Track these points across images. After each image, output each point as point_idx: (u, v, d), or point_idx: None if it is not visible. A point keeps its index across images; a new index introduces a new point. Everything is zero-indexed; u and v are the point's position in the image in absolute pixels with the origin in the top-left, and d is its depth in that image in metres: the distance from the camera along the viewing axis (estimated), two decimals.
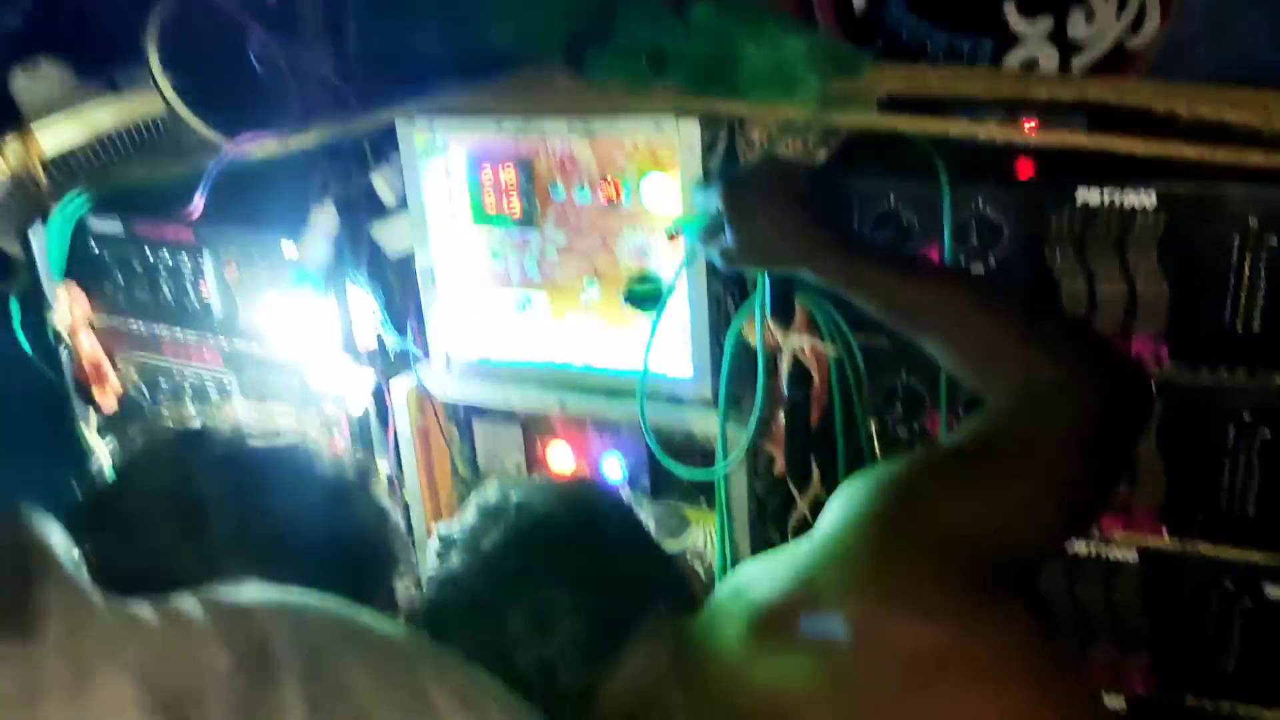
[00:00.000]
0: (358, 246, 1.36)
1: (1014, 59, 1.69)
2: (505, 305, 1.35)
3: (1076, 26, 1.65)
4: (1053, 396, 0.89)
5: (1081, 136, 1.08)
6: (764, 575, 0.90)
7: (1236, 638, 1.10)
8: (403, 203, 1.35)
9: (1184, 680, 1.14)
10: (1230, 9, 1.64)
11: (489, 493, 0.99)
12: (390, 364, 1.42)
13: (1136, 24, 1.57)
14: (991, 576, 0.83)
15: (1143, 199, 1.02)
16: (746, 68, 1.22)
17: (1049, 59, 1.68)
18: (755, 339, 1.18)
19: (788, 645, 0.83)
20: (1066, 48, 1.65)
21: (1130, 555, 1.13)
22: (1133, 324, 1.06)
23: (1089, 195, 1.04)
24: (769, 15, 1.26)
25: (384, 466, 1.43)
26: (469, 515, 0.99)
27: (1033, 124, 1.14)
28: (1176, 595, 1.11)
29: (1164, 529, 1.11)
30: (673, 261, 1.22)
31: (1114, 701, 1.18)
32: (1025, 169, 1.12)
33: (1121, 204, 1.03)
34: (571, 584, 0.90)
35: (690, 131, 1.17)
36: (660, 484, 1.34)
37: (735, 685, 0.85)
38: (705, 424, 1.25)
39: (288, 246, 1.36)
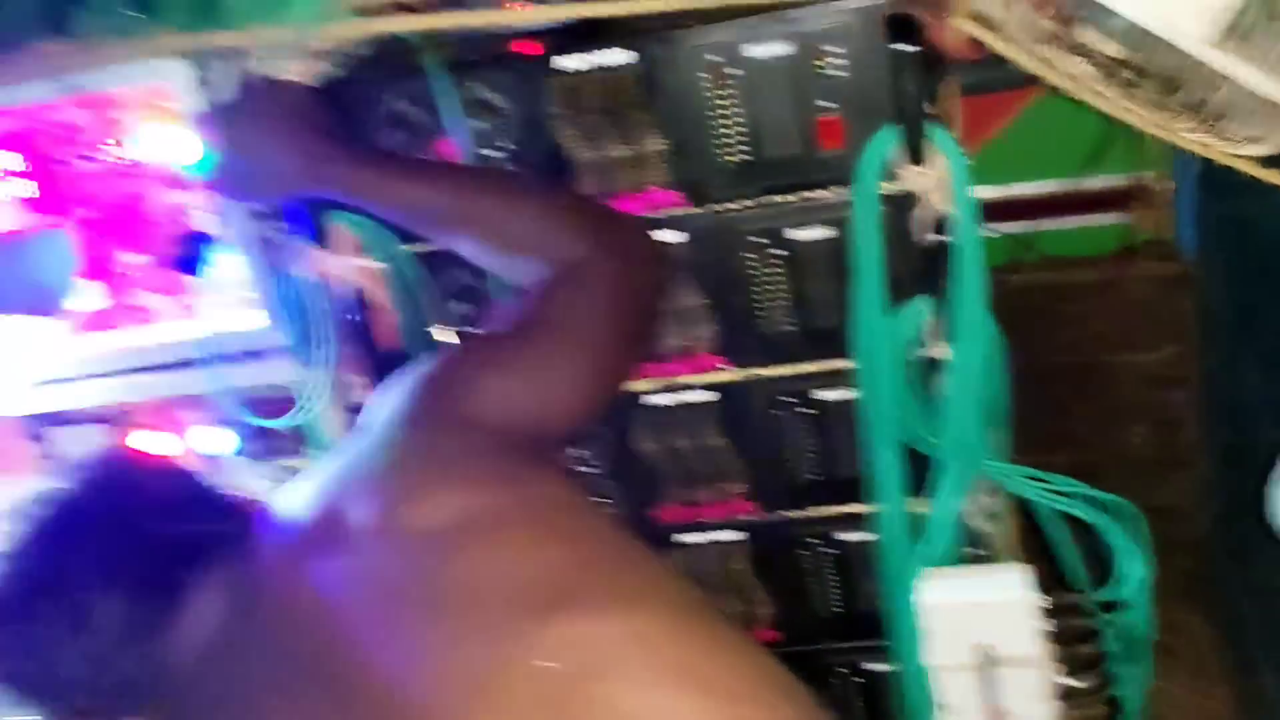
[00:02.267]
0: None
1: None
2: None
3: None
4: (574, 275, 0.92)
5: (558, 9, 1.12)
6: (313, 489, 0.88)
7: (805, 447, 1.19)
8: None
9: (777, 497, 1.23)
10: None
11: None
12: None
13: None
14: (530, 449, 0.86)
15: (621, 57, 1.07)
16: None
17: None
18: (305, 273, 1.16)
19: (343, 548, 0.82)
20: None
21: (709, 395, 1.20)
22: (643, 176, 1.11)
23: (570, 61, 1.07)
24: None
25: None
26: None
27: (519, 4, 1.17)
28: (749, 419, 1.19)
29: (725, 361, 1.18)
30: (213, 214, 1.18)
31: (734, 534, 1.26)
32: (523, 48, 1.14)
33: (603, 65, 1.07)
34: (98, 567, 0.84)
35: (181, 72, 1.12)
36: (271, 444, 1.30)
37: (308, 609, 0.83)
38: (290, 372, 1.22)
39: None
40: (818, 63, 1.03)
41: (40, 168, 1.20)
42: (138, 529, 0.88)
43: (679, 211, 1.12)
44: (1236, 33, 0.96)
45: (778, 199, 1.10)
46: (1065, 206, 2.05)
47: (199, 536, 0.89)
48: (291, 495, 0.91)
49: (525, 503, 0.82)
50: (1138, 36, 1.00)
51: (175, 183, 1.18)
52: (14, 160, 1.20)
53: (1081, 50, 1.06)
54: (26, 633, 0.84)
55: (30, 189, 1.21)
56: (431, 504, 0.80)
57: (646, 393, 1.19)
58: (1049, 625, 1.14)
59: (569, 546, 0.80)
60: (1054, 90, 1.12)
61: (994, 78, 1.18)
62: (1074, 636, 1.18)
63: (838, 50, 1.03)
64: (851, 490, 1.19)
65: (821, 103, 1.05)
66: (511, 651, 0.72)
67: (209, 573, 0.87)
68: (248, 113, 1.04)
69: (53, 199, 1.21)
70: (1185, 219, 1.90)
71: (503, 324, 0.96)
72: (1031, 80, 1.12)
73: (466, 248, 1.01)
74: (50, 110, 1.16)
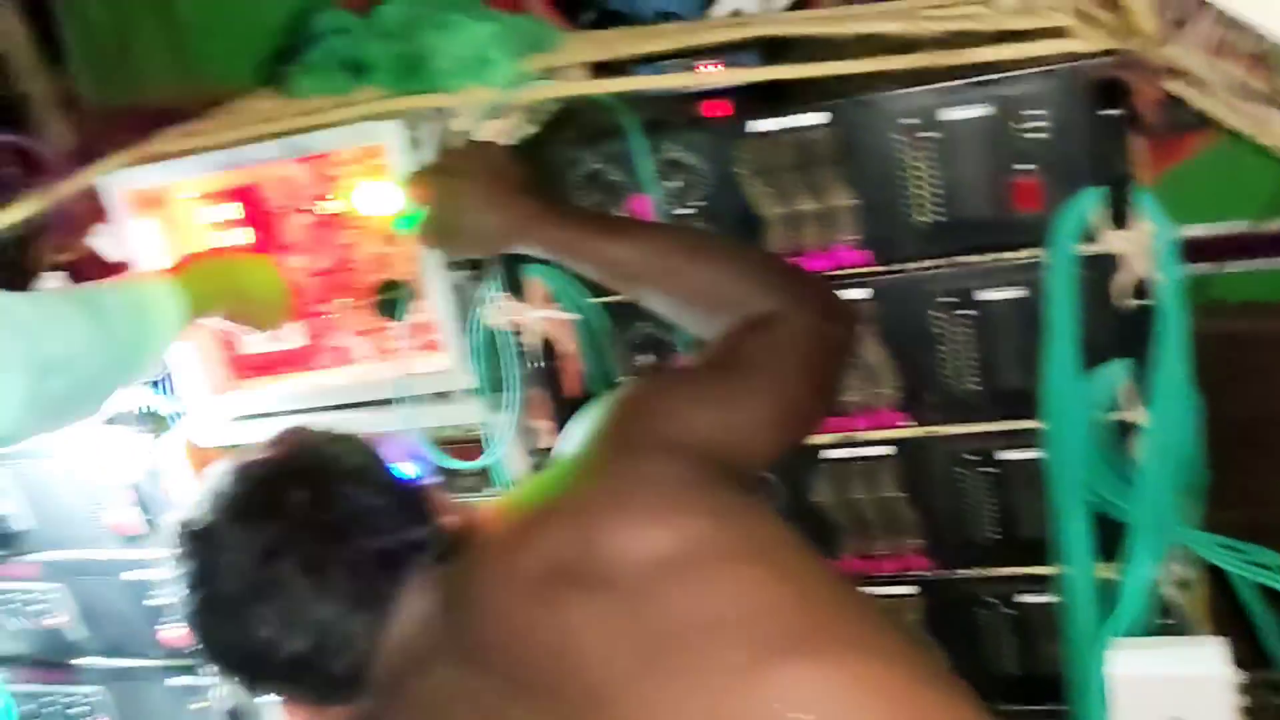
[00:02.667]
0: None
1: (721, 9, 1.78)
2: (259, 338, 1.34)
3: None
4: (766, 324, 0.94)
5: (753, 71, 1.14)
6: (520, 511, 0.89)
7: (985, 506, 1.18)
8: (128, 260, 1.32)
9: (954, 554, 1.22)
10: None
11: (214, 473, 0.91)
12: (159, 422, 1.39)
13: None
14: (725, 478, 0.86)
15: (812, 118, 1.08)
16: (440, 59, 1.24)
17: (750, 3, 1.77)
18: (497, 322, 1.21)
19: (559, 577, 0.81)
20: None
21: (888, 450, 1.20)
22: (832, 234, 1.12)
23: (762, 124, 1.09)
24: (454, 5, 1.30)
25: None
26: (200, 502, 0.89)
27: (713, 66, 1.20)
28: (929, 476, 1.19)
29: (907, 417, 1.18)
30: (412, 263, 1.24)
31: (908, 589, 1.25)
32: (713, 109, 1.17)
33: (796, 127, 1.09)
34: (311, 567, 0.84)
35: (393, 133, 1.18)
36: (450, 482, 1.35)
37: (509, 626, 0.82)
38: (477, 414, 1.27)
39: None
40: (1017, 125, 1.03)
41: (258, 217, 1.28)
42: (345, 528, 0.86)
43: (867, 269, 1.13)
44: None
45: (969, 259, 1.10)
46: (1247, 249, 1.97)
47: (403, 540, 0.88)
48: (501, 515, 0.90)
49: (743, 536, 0.82)
50: None
51: (382, 234, 1.25)
52: (235, 210, 1.29)
53: None
54: (240, 628, 0.85)
55: (248, 236, 1.30)
56: (647, 531, 0.80)
57: (827, 446, 1.20)
58: (1244, 702, 1.10)
59: (793, 585, 0.80)
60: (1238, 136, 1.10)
61: (1174, 120, 1.15)
62: (1272, 714, 1.13)
63: (1039, 113, 1.02)
64: (1033, 552, 1.17)
65: (1019, 165, 1.04)
66: (750, 695, 0.72)
67: (418, 579, 0.86)
68: (453, 171, 1.09)
69: (268, 244, 1.29)
70: None
71: (695, 361, 0.99)
72: (1208, 122, 1.10)
73: (658, 302, 1.04)
74: (272, 166, 1.25)
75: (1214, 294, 2.02)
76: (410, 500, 0.90)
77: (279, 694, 0.91)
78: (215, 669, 0.89)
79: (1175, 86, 1.08)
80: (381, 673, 0.86)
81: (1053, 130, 1.02)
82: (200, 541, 0.87)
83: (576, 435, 0.92)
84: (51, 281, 1.30)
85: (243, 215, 1.29)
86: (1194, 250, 2.08)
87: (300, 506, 0.86)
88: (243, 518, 0.86)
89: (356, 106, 1.22)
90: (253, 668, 0.88)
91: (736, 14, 1.72)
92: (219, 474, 0.89)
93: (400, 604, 0.86)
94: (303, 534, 0.85)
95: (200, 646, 0.89)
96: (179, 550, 0.88)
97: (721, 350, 0.96)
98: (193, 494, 0.90)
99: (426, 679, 0.85)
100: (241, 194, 1.27)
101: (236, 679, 0.89)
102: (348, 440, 0.93)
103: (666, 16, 1.75)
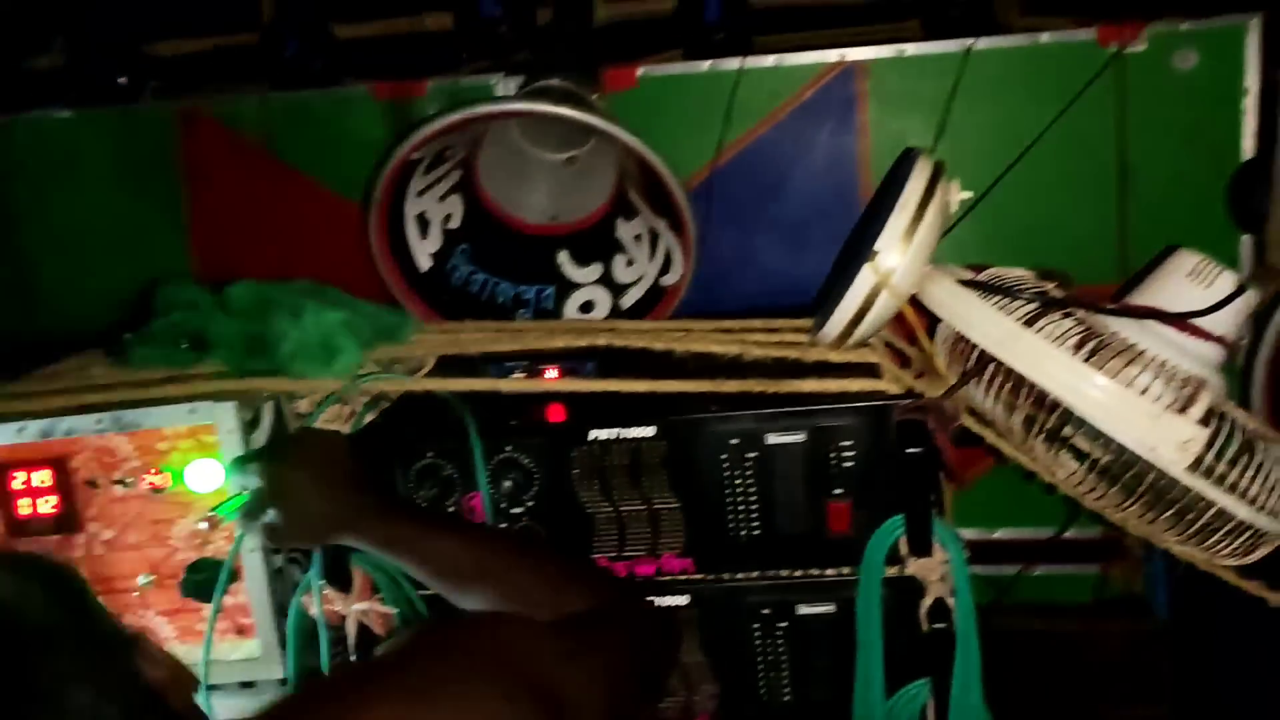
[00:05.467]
0: None
1: (574, 302, 1.89)
2: None
3: (620, 271, 1.89)
4: (585, 635, 0.95)
5: (591, 382, 1.21)
6: None
7: None
8: None
9: None
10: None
11: None
12: None
13: (666, 268, 1.80)
14: None
15: (645, 431, 1.14)
16: (287, 344, 1.26)
17: (603, 299, 1.89)
18: (316, 610, 1.17)
19: None
20: (615, 289, 1.87)
21: None
22: (658, 540, 1.16)
23: (600, 433, 1.15)
24: (305, 290, 1.33)
25: None
26: None
27: (554, 373, 1.26)
28: None
29: None
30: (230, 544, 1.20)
31: None
32: (550, 414, 1.22)
33: (628, 437, 1.15)
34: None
35: (227, 414, 1.18)
36: None
37: None
38: None
39: None
40: (831, 453, 1.11)
41: (67, 486, 1.23)
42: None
43: (689, 577, 1.16)
44: (1202, 466, 1.06)
45: (785, 573, 1.15)
46: (1044, 554, 2.12)
47: None
48: None
49: None
50: (1125, 451, 1.10)
51: (202, 513, 1.21)
52: (44, 476, 1.23)
53: (1074, 451, 1.15)
54: None
55: (51, 504, 1.23)
56: None
57: None
58: None
59: None
60: None
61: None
62: None
63: (849, 444, 1.11)
64: None
65: (832, 490, 1.12)
66: None
67: None
68: (293, 460, 1.09)
69: (72, 516, 1.23)
70: (1157, 577, 1.96)
71: None
72: None
73: (477, 601, 1.03)
74: (93, 435, 1.21)
75: (1017, 594, 2.15)
76: (108, 661, 0.74)
77: None
78: None
79: (972, 424, 1.20)
80: None
81: (861, 460, 1.11)
82: None
83: None
84: None
85: (50, 482, 1.23)
86: (1001, 552, 2.23)
87: None
88: None
89: (192, 384, 1.22)
90: None
91: (588, 306, 1.83)
92: None
93: None
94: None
95: None
96: None
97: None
98: None
99: None
100: (53, 461, 1.22)
101: None
102: (33, 581, 0.75)
103: (524, 304, 1.85)
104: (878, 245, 1.17)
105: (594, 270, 1.91)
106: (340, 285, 2.00)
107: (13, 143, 2.10)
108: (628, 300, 1.87)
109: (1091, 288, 1.99)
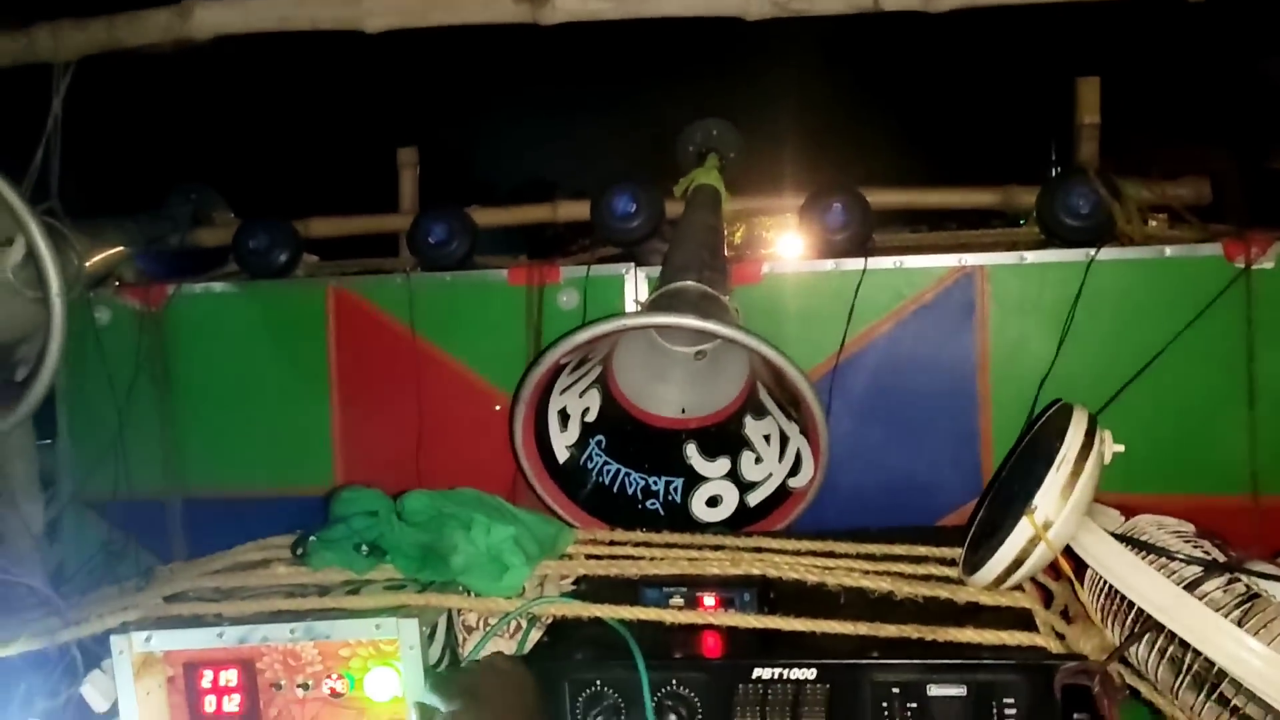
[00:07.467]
0: None
1: (701, 495, 1.95)
2: None
3: (748, 468, 1.95)
4: None
5: (752, 618, 1.26)
6: None
7: None
8: (115, 712, 1.31)
9: None
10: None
11: None
12: None
13: (795, 469, 1.86)
14: None
15: (807, 673, 1.18)
16: (459, 557, 1.34)
17: (730, 495, 1.94)
18: None
19: None
20: (742, 485, 1.93)
21: None
22: None
23: (763, 671, 1.19)
24: (472, 500, 1.42)
25: None
26: None
27: (712, 600, 1.31)
28: None
29: None
30: None
31: None
32: (709, 642, 1.26)
33: (792, 679, 1.19)
34: None
35: (411, 630, 1.25)
36: None
37: None
38: None
39: None
40: (994, 710, 1.14)
41: (252, 686, 1.30)
42: None
43: None
44: None
45: None
46: None
47: None
48: None
49: None
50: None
51: (374, 717, 1.27)
52: (230, 676, 1.30)
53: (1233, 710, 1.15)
54: None
55: (235, 702, 1.31)
56: None
57: None
58: None
59: None
60: None
61: None
62: None
63: (1011, 701, 1.14)
64: None
65: None
66: None
67: None
68: (469, 690, 1.14)
69: (254, 714, 1.30)
70: None
71: None
72: None
73: None
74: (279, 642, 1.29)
75: None
76: None
77: None
78: None
79: (1129, 677, 1.22)
80: None
81: (1022, 718, 1.13)
82: None
83: None
84: None
85: (237, 682, 1.30)
86: None
87: None
88: None
89: (374, 597, 1.29)
90: None
91: (714, 500, 1.89)
92: None
93: None
94: None
95: None
96: None
97: None
98: None
99: None
100: (242, 662, 1.30)
101: None
102: None
103: (652, 494, 1.93)
104: (1036, 500, 1.21)
105: (721, 465, 1.97)
106: (472, 459, 2.11)
107: (177, 311, 2.27)
108: (755, 498, 1.92)
109: (1220, 498, 2.00)
